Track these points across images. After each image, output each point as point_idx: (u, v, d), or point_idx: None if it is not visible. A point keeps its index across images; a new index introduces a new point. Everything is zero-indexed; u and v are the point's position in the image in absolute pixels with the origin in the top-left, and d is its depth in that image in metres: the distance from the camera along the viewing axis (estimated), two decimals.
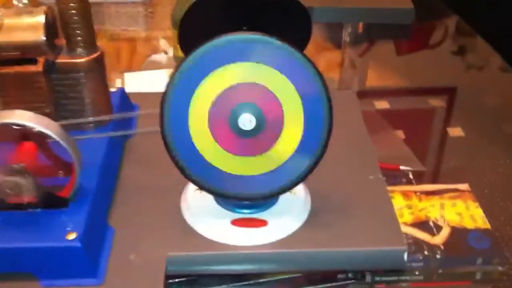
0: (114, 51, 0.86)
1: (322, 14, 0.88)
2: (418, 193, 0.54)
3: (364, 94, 0.74)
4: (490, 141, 0.64)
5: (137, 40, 0.90)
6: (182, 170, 0.45)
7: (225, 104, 0.43)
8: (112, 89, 0.59)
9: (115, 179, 0.53)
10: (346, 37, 0.90)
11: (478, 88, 0.75)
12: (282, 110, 0.43)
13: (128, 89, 0.64)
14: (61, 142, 0.43)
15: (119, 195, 0.51)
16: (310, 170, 0.45)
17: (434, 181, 0.58)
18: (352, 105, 0.64)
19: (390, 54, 0.87)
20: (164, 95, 0.44)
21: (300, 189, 0.50)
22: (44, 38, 0.48)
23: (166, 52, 0.86)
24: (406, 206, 0.53)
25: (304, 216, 0.49)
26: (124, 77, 0.78)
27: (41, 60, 0.50)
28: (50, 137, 0.43)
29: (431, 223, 0.51)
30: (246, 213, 0.48)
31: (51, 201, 0.45)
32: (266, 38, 0.42)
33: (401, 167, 0.58)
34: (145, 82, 0.77)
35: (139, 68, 0.82)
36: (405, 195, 0.54)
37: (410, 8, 0.88)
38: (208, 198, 0.48)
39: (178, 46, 0.50)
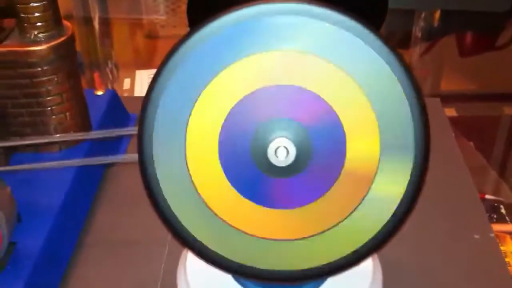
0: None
1: None
2: None
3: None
4: None
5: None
6: (176, 231, 0.33)
7: (246, 120, 0.31)
8: (98, 92, 0.50)
9: (80, 229, 0.43)
10: (417, 32, 0.84)
11: None
12: (343, 131, 0.31)
13: (138, 92, 0.60)
14: None
15: (82, 255, 0.42)
16: (391, 232, 0.32)
17: None
18: (440, 120, 0.54)
19: (453, 55, 0.82)
20: (144, 106, 0.31)
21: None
22: None
23: None
24: None
25: None
26: (135, 75, 0.71)
27: None
28: None
29: None
30: None
31: None
32: (324, 9, 0.30)
33: (487, 196, 0.51)
34: None
35: None
36: (498, 238, 0.46)
37: None
38: (220, 272, 0.36)
39: None
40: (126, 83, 0.69)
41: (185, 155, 0.32)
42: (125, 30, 0.87)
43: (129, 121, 0.53)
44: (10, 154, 0.43)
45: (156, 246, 0.41)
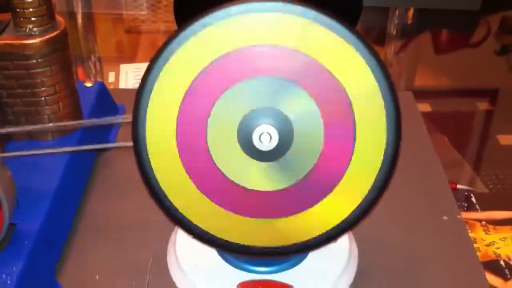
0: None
1: None
2: (483, 223, 0.48)
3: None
4: None
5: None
6: (164, 206, 0.34)
7: (233, 109, 0.32)
8: (87, 84, 0.51)
9: (74, 213, 0.43)
10: (392, 29, 0.84)
11: None
12: (321, 119, 0.32)
13: (123, 85, 0.60)
14: None
15: (77, 238, 0.42)
16: (366, 210, 0.34)
17: (502, 206, 0.50)
18: (412, 112, 0.55)
19: (428, 53, 0.83)
20: (138, 95, 0.32)
21: (343, 237, 0.38)
22: None
23: None
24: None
25: (347, 279, 0.39)
26: (120, 69, 0.71)
27: None
28: None
29: (502, 263, 0.45)
30: (261, 273, 0.38)
31: None
32: (302, 8, 0.31)
33: (459, 186, 0.51)
34: None
35: None
36: (468, 225, 0.47)
37: None
38: (207, 249, 0.37)
39: None
40: (111, 76, 0.69)
41: (176, 139, 0.32)
42: (107, 25, 0.86)
43: (117, 111, 0.53)
44: (5, 142, 0.43)
45: (147, 228, 0.42)
